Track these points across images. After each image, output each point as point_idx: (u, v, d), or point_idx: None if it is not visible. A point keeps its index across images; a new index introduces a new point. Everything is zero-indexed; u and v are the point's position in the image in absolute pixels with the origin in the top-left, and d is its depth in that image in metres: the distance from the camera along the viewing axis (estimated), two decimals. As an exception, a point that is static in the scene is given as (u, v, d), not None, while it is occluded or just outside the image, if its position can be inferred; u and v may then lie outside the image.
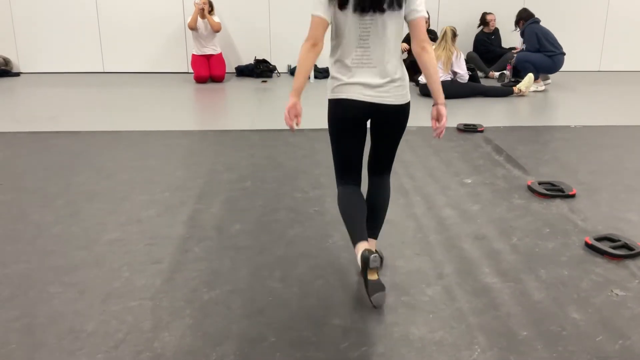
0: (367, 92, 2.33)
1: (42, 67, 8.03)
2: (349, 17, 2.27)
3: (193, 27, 7.32)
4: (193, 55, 7.54)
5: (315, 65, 7.85)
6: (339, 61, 2.36)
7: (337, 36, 2.35)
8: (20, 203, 3.40)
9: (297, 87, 2.36)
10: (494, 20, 7.98)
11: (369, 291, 2.29)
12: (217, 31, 7.43)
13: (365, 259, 2.24)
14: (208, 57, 7.53)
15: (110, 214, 3.25)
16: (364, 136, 2.46)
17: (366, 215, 2.47)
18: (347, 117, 2.39)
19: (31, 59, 8.02)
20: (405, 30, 2.36)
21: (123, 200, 3.45)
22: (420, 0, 2.31)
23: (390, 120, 2.43)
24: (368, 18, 2.26)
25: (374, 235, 2.56)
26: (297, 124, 2.35)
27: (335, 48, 2.38)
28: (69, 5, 7.83)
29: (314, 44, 2.29)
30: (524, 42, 7.23)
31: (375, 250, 2.52)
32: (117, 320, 2.23)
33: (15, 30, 7.88)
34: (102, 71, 8.12)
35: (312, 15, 2.29)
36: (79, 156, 4.31)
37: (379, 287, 2.29)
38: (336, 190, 2.55)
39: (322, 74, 7.88)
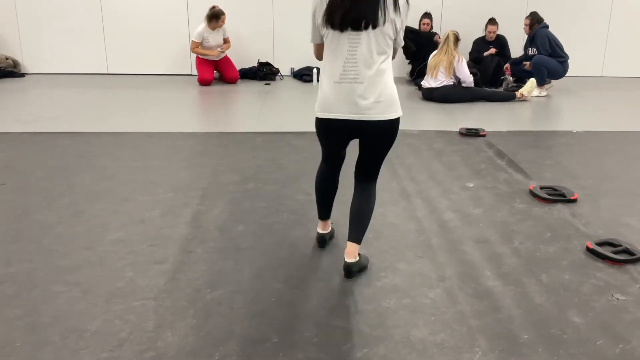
0: (353, 110, 2.39)
1: (46, 68, 8.05)
2: (336, 34, 2.37)
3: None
4: (198, 57, 7.51)
5: (318, 69, 7.87)
6: (325, 76, 2.45)
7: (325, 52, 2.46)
8: (23, 203, 3.42)
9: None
10: (493, 32, 7.87)
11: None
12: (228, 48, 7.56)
13: (319, 241, 2.85)
14: (215, 61, 7.55)
15: (113, 214, 3.26)
16: (348, 142, 2.62)
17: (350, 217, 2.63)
18: (331, 135, 2.56)
19: (36, 60, 8.04)
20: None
21: (126, 200, 3.47)
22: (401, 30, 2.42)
23: (376, 136, 2.48)
24: (354, 35, 2.34)
25: (358, 240, 2.58)
26: None
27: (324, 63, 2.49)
28: (74, 7, 7.86)
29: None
30: (533, 46, 7.21)
31: (359, 254, 2.61)
32: (120, 319, 2.24)
33: (20, 31, 7.92)
34: (106, 72, 8.14)
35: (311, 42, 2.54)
36: (83, 157, 4.33)
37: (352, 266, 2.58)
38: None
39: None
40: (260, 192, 3.63)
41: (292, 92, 7.34)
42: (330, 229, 2.91)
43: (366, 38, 2.33)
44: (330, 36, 2.37)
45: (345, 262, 2.56)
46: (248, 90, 7.31)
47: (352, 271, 2.57)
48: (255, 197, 3.54)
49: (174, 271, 2.63)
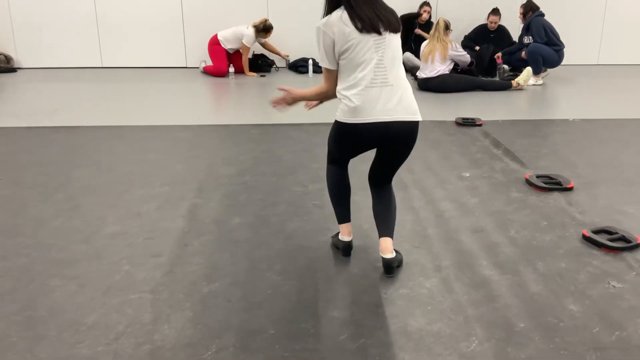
0: (382, 112, 2.38)
1: (40, 62, 8.01)
2: (362, 40, 2.35)
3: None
4: (217, 47, 7.55)
5: (314, 60, 7.86)
6: (350, 86, 2.40)
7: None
8: (20, 197, 3.41)
9: (305, 96, 2.63)
10: (495, 23, 7.87)
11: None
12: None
13: (344, 250, 2.70)
14: (229, 53, 7.67)
15: (110, 207, 3.26)
16: (368, 150, 2.57)
17: (375, 219, 2.66)
18: (357, 140, 2.49)
19: (30, 54, 8.00)
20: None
21: (123, 194, 3.46)
22: None
23: (403, 138, 2.46)
24: (379, 39, 2.37)
25: (391, 234, 2.59)
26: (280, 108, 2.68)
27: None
28: (67, 0, 7.80)
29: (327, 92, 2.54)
30: (529, 34, 7.19)
31: (394, 250, 2.60)
32: (117, 313, 2.24)
33: (13, 25, 7.86)
34: (101, 66, 8.11)
35: (323, 67, 2.49)
36: (79, 150, 4.32)
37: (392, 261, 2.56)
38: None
39: (320, 68, 7.86)
40: (256, 185, 3.63)
41: (287, 83, 7.28)
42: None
43: (389, 42, 2.38)
44: (355, 45, 2.34)
45: (385, 259, 2.54)
46: (243, 82, 7.29)
47: (393, 267, 2.56)
48: (252, 190, 3.54)
49: (170, 264, 2.63)
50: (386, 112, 2.37)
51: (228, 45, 7.56)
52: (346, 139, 2.50)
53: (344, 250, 2.71)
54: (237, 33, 7.52)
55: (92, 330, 2.13)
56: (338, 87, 2.46)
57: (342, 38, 2.33)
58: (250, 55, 7.93)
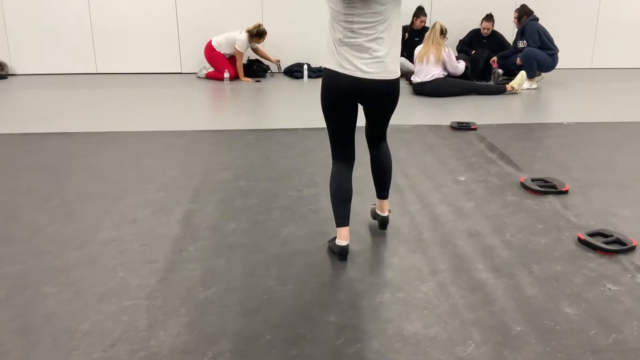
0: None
1: (34, 69, 8.00)
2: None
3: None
4: (220, 54, 7.58)
5: (309, 65, 7.87)
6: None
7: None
8: (14, 204, 3.40)
9: None
10: (488, 29, 7.88)
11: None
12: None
13: (340, 254, 2.72)
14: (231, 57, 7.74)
15: (104, 214, 3.25)
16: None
17: (374, 178, 2.93)
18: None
19: (24, 61, 7.98)
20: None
21: (117, 200, 3.45)
22: None
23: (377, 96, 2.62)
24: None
25: (385, 196, 2.96)
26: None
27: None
28: (61, 6, 7.80)
29: None
30: (523, 39, 7.22)
31: (388, 209, 3.03)
32: (112, 319, 2.23)
33: (7, 31, 7.85)
34: (95, 72, 8.09)
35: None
36: (73, 157, 4.30)
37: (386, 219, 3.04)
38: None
39: (315, 73, 7.89)
40: (252, 190, 3.62)
41: (282, 89, 7.32)
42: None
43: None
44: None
45: (382, 216, 3.00)
46: (238, 87, 7.29)
47: (387, 223, 3.02)
48: (247, 195, 3.53)
49: (166, 270, 2.62)
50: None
51: (222, 50, 7.58)
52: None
53: (340, 254, 2.71)
54: (229, 38, 7.53)
55: (87, 338, 2.12)
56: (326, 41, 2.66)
57: None
58: (245, 61, 7.94)
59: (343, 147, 2.71)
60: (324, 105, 2.63)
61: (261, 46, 7.88)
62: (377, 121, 2.74)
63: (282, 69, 8.15)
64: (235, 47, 7.51)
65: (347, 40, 2.48)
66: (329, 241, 2.85)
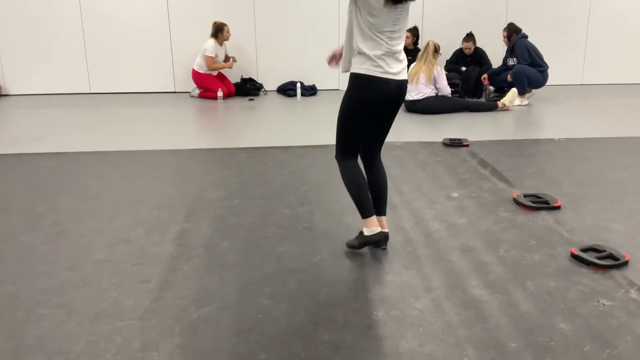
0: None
1: (27, 89, 8.01)
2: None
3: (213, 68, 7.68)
4: (208, 75, 7.65)
5: (302, 83, 7.91)
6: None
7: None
8: (6, 224, 3.38)
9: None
10: (469, 49, 7.95)
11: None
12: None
13: (377, 242, 2.90)
14: (221, 76, 7.84)
15: (97, 233, 3.23)
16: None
17: (372, 195, 2.93)
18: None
19: (17, 81, 7.99)
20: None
21: (110, 219, 3.44)
22: None
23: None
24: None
25: (384, 213, 3.00)
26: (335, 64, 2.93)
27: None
28: (54, 26, 7.84)
29: None
30: (513, 56, 7.30)
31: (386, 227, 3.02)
32: (105, 340, 2.21)
33: (0, 51, 7.86)
34: (89, 92, 8.11)
35: None
36: (66, 177, 4.29)
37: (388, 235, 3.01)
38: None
39: (308, 91, 7.93)
40: (245, 208, 3.62)
41: (276, 107, 7.36)
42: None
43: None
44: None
45: (385, 233, 2.97)
46: (232, 106, 7.32)
47: (388, 239, 3.00)
48: (241, 213, 3.53)
49: (159, 290, 2.60)
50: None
51: (204, 69, 7.64)
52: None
53: (386, 239, 2.94)
54: (201, 53, 7.61)
55: (81, 359, 2.10)
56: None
57: None
58: (238, 80, 7.99)
59: (357, 146, 2.86)
60: (357, 108, 2.75)
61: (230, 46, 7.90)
62: (387, 125, 2.88)
63: (265, 88, 8.16)
64: (205, 55, 7.55)
65: (392, 48, 2.67)
66: (349, 243, 2.95)
